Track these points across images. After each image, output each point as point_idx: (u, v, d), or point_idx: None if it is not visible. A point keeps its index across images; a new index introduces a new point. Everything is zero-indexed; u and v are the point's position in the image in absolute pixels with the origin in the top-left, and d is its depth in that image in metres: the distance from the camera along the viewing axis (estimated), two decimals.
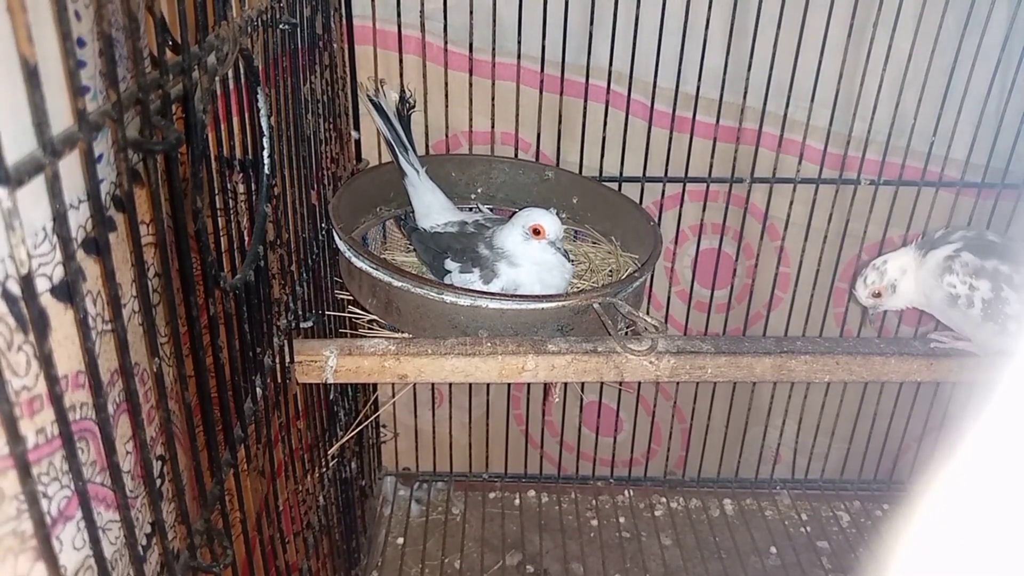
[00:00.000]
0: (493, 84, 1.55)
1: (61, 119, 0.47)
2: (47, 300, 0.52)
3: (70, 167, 0.48)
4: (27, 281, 0.43)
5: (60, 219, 0.46)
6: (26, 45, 0.41)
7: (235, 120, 0.86)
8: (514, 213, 1.37)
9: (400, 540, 1.88)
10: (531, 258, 1.29)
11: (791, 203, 1.66)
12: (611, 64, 1.55)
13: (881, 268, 1.30)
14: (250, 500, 0.97)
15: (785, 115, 1.59)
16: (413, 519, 1.94)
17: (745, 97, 1.56)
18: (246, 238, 0.89)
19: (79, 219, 0.56)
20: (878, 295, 1.31)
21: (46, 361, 0.45)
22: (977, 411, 0.42)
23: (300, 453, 1.22)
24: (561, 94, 1.58)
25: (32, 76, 0.41)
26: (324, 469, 1.38)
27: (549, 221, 1.28)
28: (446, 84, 1.57)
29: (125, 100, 0.53)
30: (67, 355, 0.54)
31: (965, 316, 1.20)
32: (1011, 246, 1.22)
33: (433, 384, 1.87)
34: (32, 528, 0.45)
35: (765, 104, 1.57)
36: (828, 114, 1.58)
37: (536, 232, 1.28)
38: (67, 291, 0.52)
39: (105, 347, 0.60)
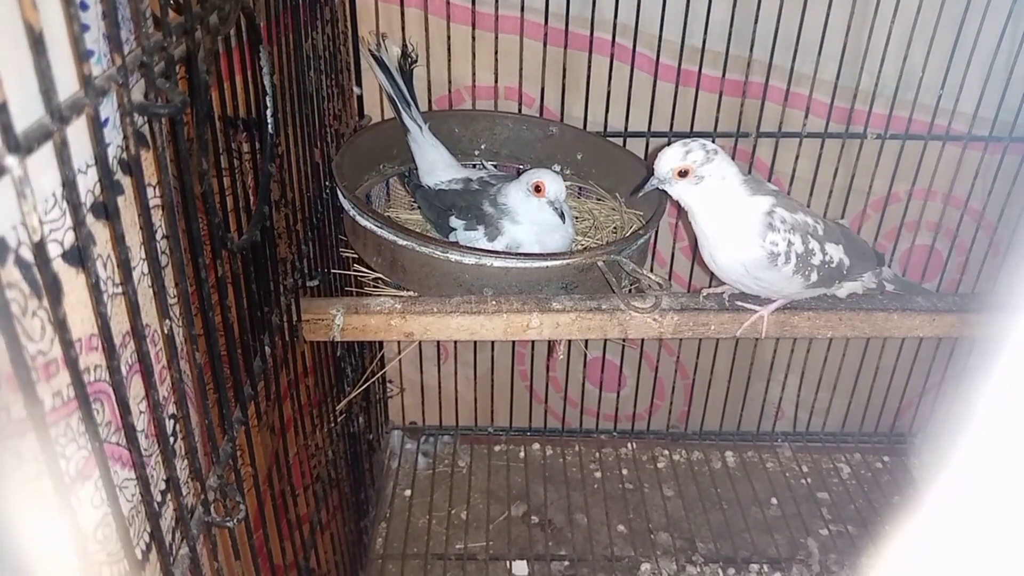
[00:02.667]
0: (496, 38, 1.53)
1: (67, 85, 0.47)
2: (59, 265, 0.52)
3: (76, 132, 0.48)
4: (40, 248, 0.43)
5: (70, 185, 0.47)
6: (31, 12, 0.41)
7: (238, 79, 0.85)
8: (519, 170, 1.37)
9: (408, 492, 1.91)
10: (530, 216, 1.29)
11: (797, 157, 1.64)
12: (616, 17, 1.53)
13: (710, 154, 1.12)
14: (261, 456, 0.99)
15: (792, 68, 1.56)
16: (420, 472, 1.97)
17: (751, 50, 1.54)
18: (251, 198, 0.90)
19: (87, 184, 0.57)
20: (683, 174, 1.12)
21: (60, 326, 0.46)
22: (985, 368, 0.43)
23: (309, 409, 1.24)
24: (565, 48, 1.56)
25: (38, 43, 0.41)
26: (332, 424, 1.40)
27: (551, 180, 1.28)
28: (448, 38, 1.55)
29: (129, 64, 0.53)
30: (80, 319, 0.55)
31: (780, 273, 1.14)
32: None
33: (439, 340, 1.88)
34: (52, 488, 0.46)
35: (772, 57, 1.55)
36: (835, 67, 1.56)
37: (537, 189, 1.27)
38: (78, 256, 0.53)
39: (117, 310, 0.60)
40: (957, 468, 0.45)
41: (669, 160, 1.13)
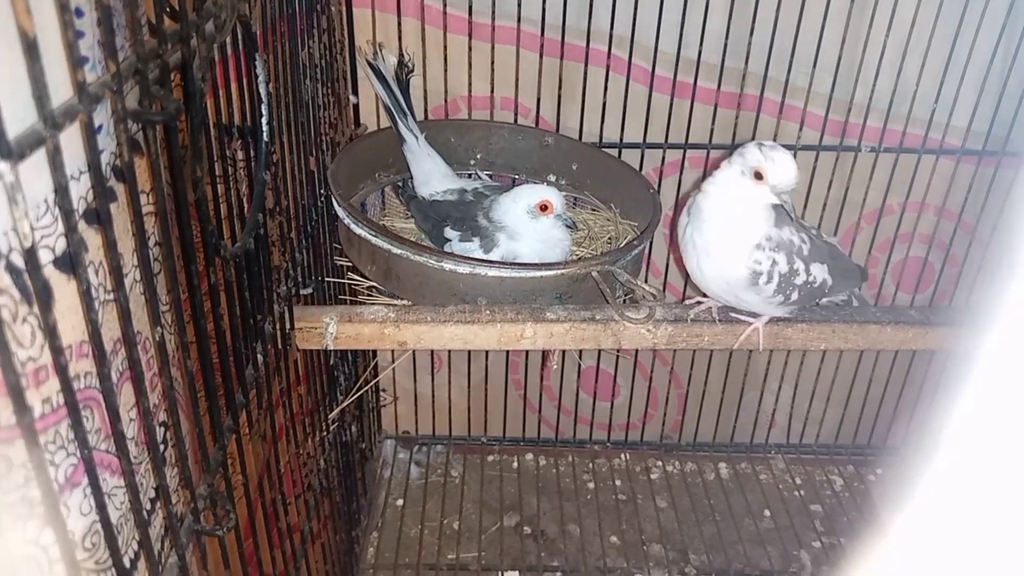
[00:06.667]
0: (493, 48, 1.53)
1: (60, 91, 0.47)
2: (50, 272, 0.52)
3: (70, 138, 0.48)
4: (30, 254, 0.43)
5: (62, 191, 0.46)
6: (25, 18, 0.41)
7: (233, 87, 0.85)
8: (513, 184, 1.37)
9: (400, 502, 1.90)
10: (540, 235, 1.29)
11: None
12: (612, 28, 1.53)
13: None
14: (252, 464, 0.98)
15: (787, 81, 1.57)
16: (412, 481, 1.96)
17: (747, 62, 1.54)
18: (245, 205, 0.89)
19: (80, 190, 0.57)
20: (759, 176, 1.08)
21: (51, 332, 0.45)
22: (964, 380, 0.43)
23: (301, 417, 1.24)
24: (561, 58, 1.57)
25: (31, 49, 0.41)
26: (325, 433, 1.40)
27: (555, 196, 1.29)
28: (445, 48, 1.55)
29: (124, 71, 0.53)
30: (71, 325, 0.55)
31: (760, 295, 1.12)
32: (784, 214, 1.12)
33: (432, 350, 1.88)
34: (40, 495, 0.46)
35: (767, 70, 1.56)
36: (830, 80, 1.57)
37: (544, 208, 1.27)
38: (70, 262, 0.53)
39: (108, 316, 0.60)
40: (945, 479, 0.45)
41: (794, 168, 1.07)
